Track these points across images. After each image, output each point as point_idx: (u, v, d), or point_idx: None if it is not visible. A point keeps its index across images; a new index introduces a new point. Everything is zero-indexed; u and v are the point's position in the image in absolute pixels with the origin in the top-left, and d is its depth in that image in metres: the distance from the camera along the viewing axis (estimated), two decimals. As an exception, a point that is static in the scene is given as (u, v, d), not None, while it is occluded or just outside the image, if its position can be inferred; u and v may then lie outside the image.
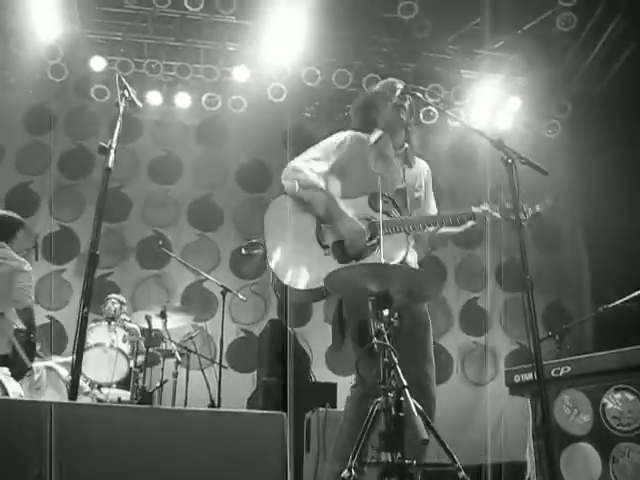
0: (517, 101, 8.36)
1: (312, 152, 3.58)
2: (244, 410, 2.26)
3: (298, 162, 3.52)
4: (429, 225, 3.46)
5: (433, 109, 8.16)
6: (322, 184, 3.45)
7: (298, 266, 3.34)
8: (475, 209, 3.42)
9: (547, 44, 7.93)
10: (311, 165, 3.49)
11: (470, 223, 3.45)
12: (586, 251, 8.50)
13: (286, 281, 3.30)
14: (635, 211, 7.04)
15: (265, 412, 1.92)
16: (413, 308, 3.35)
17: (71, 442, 1.84)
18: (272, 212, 3.52)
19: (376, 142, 3.60)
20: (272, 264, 3.35)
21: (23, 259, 5.14)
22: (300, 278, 3.31)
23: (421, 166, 3.78)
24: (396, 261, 3.27)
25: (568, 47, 8.02)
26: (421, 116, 8.03)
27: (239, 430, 1.91)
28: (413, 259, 3.50)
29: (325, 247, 3.36)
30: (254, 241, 3.66)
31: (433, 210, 3.76)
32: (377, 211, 3.24)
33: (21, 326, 5.12)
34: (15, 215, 5.43)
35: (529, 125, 8.52)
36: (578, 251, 8.65)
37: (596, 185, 7.68)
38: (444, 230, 3.60)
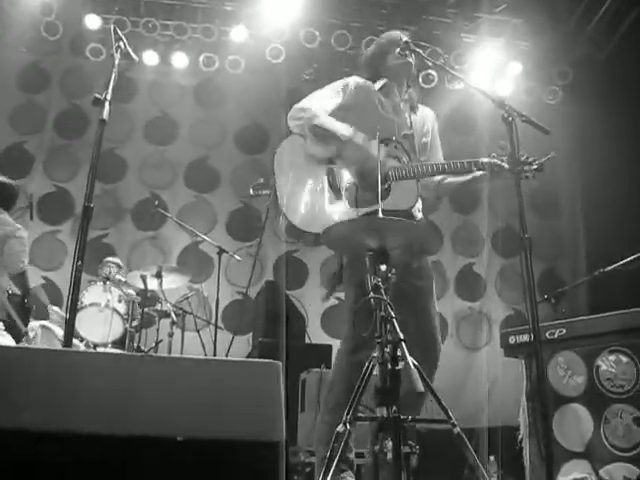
0: (518, 66, 8.28)
1: (317, 93, 3.54)
2: (239, 358, 2.26)
3: (303, 102, 3.47)
4: (438, 172, 3.43)
5: (432, 72, 8.07)
6: (330, 120, 3.38)
7: (308, 209, 3.29)
8: (484, 159, 3.39)
9: (550, 8, 7.83)
10: (319, 103, 3.45)
11: (478, 173, 3.42)
12: (583, 217, 8.50)
13: (295, 222, 3.26)
14: (634, 179, 7.02)
15: (261, 360, 1.90)
16: (418, 263, 3.36)
17: (63, 388, 1.83)
18: (282, 152, 3.45)
19: (381, 89, 3.57)
20: (281, 204, 3.31)
21: (18, 225, 5.10)
22: (307, 221, 3.26)
23: (426, 113, 3.76)
24: (406, 207, 3.26)
25: (571, 12, 7.92)
26: (420, 80, 7.95)
27: (234, 378, 1.89)
28: (418, 207, 3.49)
29: (337, 191, 3.32)
30: (262, 181, 3.61)
31: (440, 157, 3.72)
32: (387, 155, 3.22)
33: (15, 290, 5.11)
34: (14, 182, 5.41)
35: (530, 91, 8.45)
36: (576, 217, 8.65)
37: (596, 152, 7.65)
38: (450, 179, 3.58)
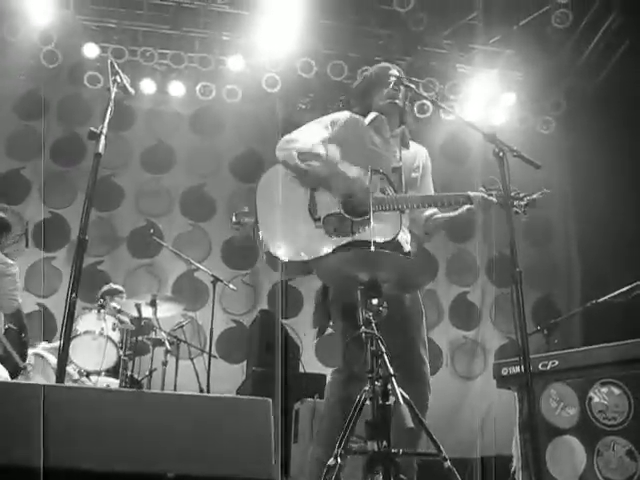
0: (512, 96, 8.37)
1: (306, 127, 3.59)
2: (229, 395, 2.26)
3: (293, 134, 3.52)
4: (424, 205, 3.45)
5: (427, 102, 8.15)
6: (321, 149, 3.42)
7: (287, 237, 3.31)
8: (472, 193, 3.42)
9: (542, 40, 7.94)
10: (306, 135, 3.49)
11: (466, 207, 3.44)
12: (577, 247, 8.53)
13: (273, 251, 3.27)
14: (627, 208, 7.07)
15: (251, 397, 1.91)
16: (408, 299, 3.36)
17: (61, 424, 1.84)
18: (265, 182, 3.49)
19: (371, 122, 3.60)
20: (261, 233, 3.33)
21: (10, 261, 5.09)
22: (288, 249, 3.28)
23: (419, 150, 3.78)
24: (387, 239, 3.26)
25: (563, 43, 8.03)
26: (415, 109, 8.02)
27: (224, 415, 1.90)
28: (405, 239, 3.49)
29: (317, 220, 3.34)
30: (245, 210, 3.63)
31: (431, 193, 3.73)
32: (375, 186, 3.25)
33: (11, 327, 5.10)
34: (3, 214, 5.42)
35: (523, 120, 8.53)
36: (569, 247, 8.68)
37: (589, 181, 7.71)
38: (439, 216, 3.60)
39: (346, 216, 3.33)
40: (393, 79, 3.55)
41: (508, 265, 3.07)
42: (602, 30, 7.79)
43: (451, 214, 3.53)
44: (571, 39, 7.98)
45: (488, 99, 8.38)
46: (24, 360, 5.11)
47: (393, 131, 3.65)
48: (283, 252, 3.27)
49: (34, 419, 1.82)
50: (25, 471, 1.76)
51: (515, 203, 3.30)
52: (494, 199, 3.35)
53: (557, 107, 8.48)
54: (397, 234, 3.30)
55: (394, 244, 3.29)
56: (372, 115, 3.63)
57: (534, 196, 3.36)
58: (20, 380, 5.12)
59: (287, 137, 3.51)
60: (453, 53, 8.21)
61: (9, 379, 4.99)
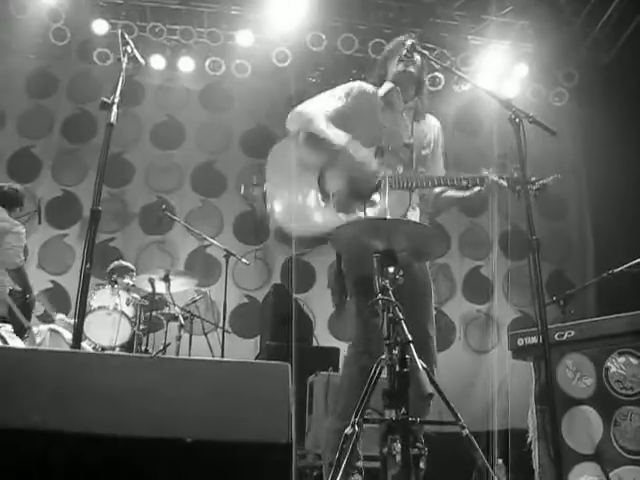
0: (524, 68, 8.27)
1: (319, 97, 3.53)
2: (247, 360, 2.25)
3: (304, 106, 3.48)
4: (434, 184, 3.41)
5: (439, 75, 8.07)
6: (329, 132, 3.36)
7: (297, 212, 3.28)
8: (484, 174, 3.37)
9: (555, 11, 7.83)
10: (318, 107, 3.44)
11: (476, 189, 3.40)
12: (590, 221, 8.48)
13: (282, 224, 3.26)
14: (640, 181, 7.01)
15: (269, 362, 1.90)
16: (415, 267, 3.32)
17: (72, 390, 1.83)
18: (276, 152, 3.45)
19: (385, 94, 3.55)
20: (270, 206, 3.30)
21: (16, 221, 5.13)
22: (298, 224, 3.26)
23: (432, 123, 3.72)
24: (395, 217, 3.23)
25: (577, 14, 7.92)
26: (426, 78, 7.93)
27: (243, 380, 1.89)
28: (415, 217, 3.44)
29: (326, 196, 3.31)
30: (254, 182, 3.62)
31: (440, 169, 3.69)
32: (382, 164, 3.22)
33: (16, 287, 5.14)
34: (17, 187, 5.46)
35: (536, 93, 8.44)
36: (583, 221, 8.63)
37: (602, 154, 7.63)
38: (449, 193, 3.56)
39: (352, 194, 3.31)
40: (408, 45, 3.48)
41: (522, 238, 3.04)
42: (616, 1, 7.67)
43: (461, 194, 3.48)
44: (584, 10, 7.87)
45: (500, 71, 8.29)
46: (29, 320, 5.15)
47: (406, 104, 3.59)
48: (293, 227, 3.26)
49: (44, 385, 1.82)
50: (39, 436, 1.76)
51: (528, 187, 3.25)
52: (504, 182, 3.30)
53: (570, 79, 8.38)
54: (405, 213, 3.27)
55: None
56: (387, 86, 3.57)
57: (545, 181, 3.31)
58: (26, 340, 5.19)
59: (298, 108, 3.47)
60: (465, 25, 8.12)
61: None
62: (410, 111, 3.61)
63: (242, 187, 3.71)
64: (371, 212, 3.22)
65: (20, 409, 1.78)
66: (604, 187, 7.79)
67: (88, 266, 2.82)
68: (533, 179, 3.29)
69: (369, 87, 3.59)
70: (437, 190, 3.60)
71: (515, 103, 3.23)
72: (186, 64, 8.30)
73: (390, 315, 2.47)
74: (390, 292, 2.54)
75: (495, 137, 7.23)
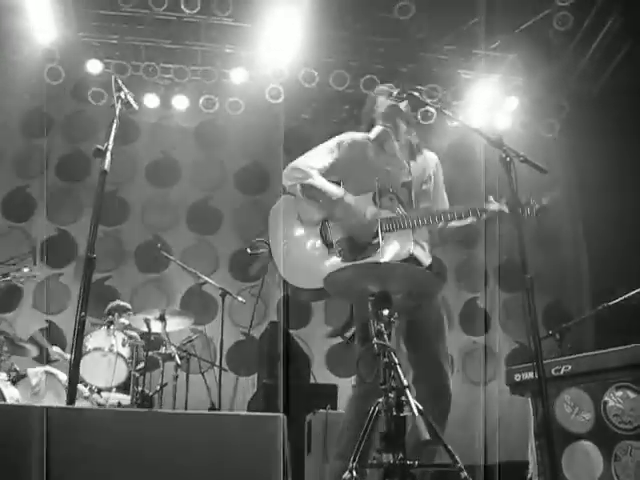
0: (514, 101, 8.35)
1: (312, 152, 3.61)
2: (242, 412, 2.23)
3: (298, 162, 3.54)
4: (434, 220, 3.45)
5: (431, 109, 8.14)
6: (321, 181, 3.45)
7: (301, 265, 3.35)
8: (486, 205, 3.40)
9: (544, 44, 7.92)
10: (310, 162, 3.51)
11: (483, 217, 3.42)
12: (586, 250, 8.49)
13: (289, 280, 3.30)
14: (634, 209, 7.03)
15: (263, 414, 1.90)
16: (428, 304, 3.36)
17: (67, 446, 1.83)
18: (276, 211, 3.54)
19: (376, 137, 3.60)
20: (277, 264, 3.36)
21: None
22: (303, 277, 3.32)
23: (429, 158, 3.78)
24: (402, 257, 3.27)
25: (565, 46, 8.01)
26: (419, 116, 8.01)
27: (237, 432, 1.89)
28: (422, 253, 3.49)
29: (330, 245, 3.36)
30: (259, 240, 3.68)
31: (444, 202, 3.74)
32: (380, 207, 3.25)
33: None
34: None
35: (527, 125, 8.51)
36: (578, 250, 8.64)
37: (595, 184, 7.67)
38: (454, 224, 3.59)
39: (353, 243, 3.37)
40: (397, 90, 3.55)
41: (517, 270, 3.05)
42: (603, 32, 7.78)
43: (465, 222, 3.51)
44: (573, 42, 7.97)
45: (491, 104, 8.36)
46: None
47: (400, 142, 3.64)
48: (301, 282, 3.33)
49: (39, 442, 1.81)
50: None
51: (527, 210, 3.29)
52: (506, 209, 3.33)
53: (560, 110, 8.46)
54: (411, 252, 3.30)
55: (412, 260, 3.32)
56: (377, 129, 3.65)
57: (544, 202, 3.34)
58: (24, 386, 5.19)
59: (292, 165, 3.56)
60: (455, 59, 8.20)
61: (20, 400, 5.00)
62: (405, 149, 3.66)
63: (248, 248, 3.77)
64: (376, 256, 3.25)
65: (14, 467, 1.76)
66: (598, 217, 7.82)
67: (83, 314, 2.83)
68: (532, 201, 3.34)
69: (359, 135, 3.66)
70: (440, 223, 3.63)
71: (505, 139, 3.26)
72: (180, 102, 8.36)
73: (386, 360, 2.48)
74: (385, 336, 2.54)
75: (488, 170, 7.28)
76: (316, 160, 3.54)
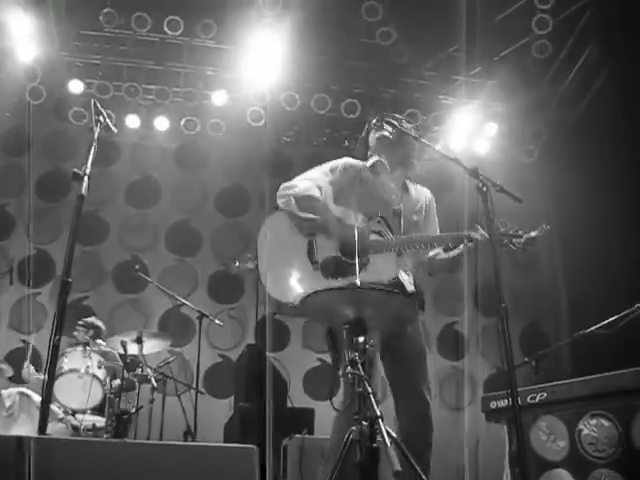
0: (494, 127, 8.44)
1: (306, 173, 3.65)
2: (214, 444, 2.21)
3: (293, 180, 3.59)
4: (421, 246, 3.47)
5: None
6: (317, 193, 3.47)
7: (287, 281, 3.36)
8: (472, 232, 3.42)
9: (523, 71, 8.04)
10: (306, 181, 3.55)
11: (468, 244, 3.44)
12: (563, 275, 8.56)
13: (274, 295, 3.31)
14: (611, 236, 7.11)
15: (235, 445, 1.89)
16: (410, 332, 3.37)
17: (40, 477, 1.81)
18: (266, 227, 3.55)
19: (371, 166, 3.66)
20: (263, 278, 3.38)
21: None
22: (288, 293, 3.32)
23: (422, 192, 3.82)
24: (386, 280, 3.28)
25: (543, 74, 8.14)
26: (412, 147, 8.04)
27: (209, 464, 1.88)
28: (409, 280, 3.53)
29: (315, 263, 3.37)
30: (248, 255, 3.72)
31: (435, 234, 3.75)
32: (369, 230, 3.27)
33: None
34: None
35: (506, 150, 8.60)
36: (555, 275, 8.70)
37: (573, 210, 7.75)
38: (442, 255, 3.62)
39: (343, 259, 3.36)
40: (375, 119, 3.61)
41: (494, 296, 3.07)
42: (581, 60, 7.92)
43: (453, 253, 3.54)
44: (551, 69, 8.10)
45: (471, 129, 8.45)
46: None
47: (393, 172, 3.68)
48: (285, 296, 3.33)
49: (22, 472, 1.79)
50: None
51: (514, 241, 3.32)
52: (487, 235, 3.34)
53: (538, 137, 8.57)
54: (394, 277, 3.32)
55: (396, 285, 3.34)
56: (372, 159, 3.70)
57: (533, 234, 3.37)
58: None
59: (286, 184, 3.58)
60: (435, 85, 8.29)
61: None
62: (398, 179, 3.71)
63: (237, 262, 3.81)
64: (361, 276, 3.26)
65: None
66: (575, 242, 7.89)
67: (57, 338, 2.81)
68: (520, 232, 3.34)
69: (355, 161, 3.70)
70: (430, 254, 3.68)
71: (484, 166, 3.31)
72: (161, 123, 8.37)
73: (359, 389, 2.47)
74: (359, 365, 2.54)
75: (467, 195, 7.32)
76: (309, 180, 3.56)
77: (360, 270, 3.26)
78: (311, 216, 3.42)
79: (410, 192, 3.73)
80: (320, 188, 3.52)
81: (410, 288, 3.52)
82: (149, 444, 2.18)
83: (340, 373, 3.34)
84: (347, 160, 3.72)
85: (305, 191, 3.47)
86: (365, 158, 3.75)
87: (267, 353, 6.45)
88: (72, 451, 1.90)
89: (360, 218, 3.32)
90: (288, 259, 3.41)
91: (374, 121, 3.66)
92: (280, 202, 3.52)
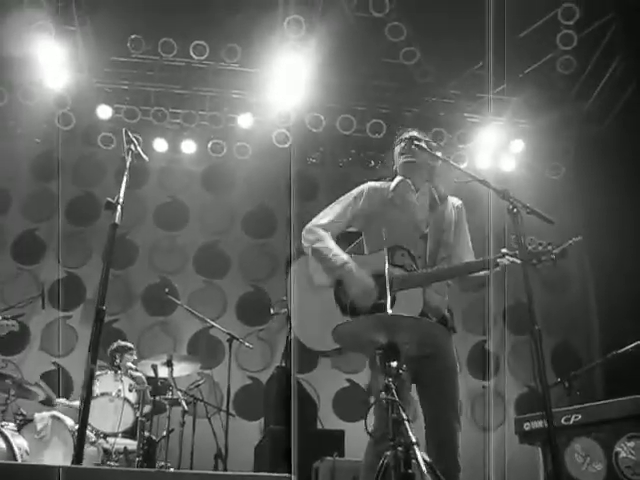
0: (520, 144, 8.41)
1: (329, 209, 3.67)
2: (248, 473, 2.19)
3: (312, 222, 3.62)
4: (444, 278, 3.45)
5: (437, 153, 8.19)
6: (329, 245, 3.49)
7: (317, 327, 3.35)
8: (495, 257, 3.38)
9: (548, 87, 8.02)
10: (324, 221, 3.58)
11: (497, 269, 3.40)
12: (594, 293, 8.45)
13: (304, 341, 3.36)
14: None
15: (271, 475, 1.88)
16: (440, 357, 3.34)
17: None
18: (295, 272, 3.58)
19: (395, 188, 3.64)
20: (293, 325, 3.42)
21: None
22: (318, 339, 3.33)
23: (450, 204, 3.76)
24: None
25: (569, 90, 8.11)
26: (435, 164, 8.04)
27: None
28: (442, 305, 3.51)
29: (344, 308, 3.39)
30: (283, 299, 3.73)
31: (466, 249, 3.72)
32: (393, 265, 3.26)
33: None
34: None
35: (532, 167, 8.56)
36: (586, 293, 8.60)
37: (602, 226, 7.67)
38: (474, 274, 3.57)
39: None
40: (404, 139, 3.60)
41: (523, 313, 3.04)
42: (607, 75, 7.87)
43: (483, 273, 3.49)
44: (576, 85, 8.06)
45: (496, 147, 8.43)
46: None
47: (419, 191, 3.66)
48: (314, 343, 3.36)
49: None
50: None
51: (543, 258, 3.27)
52: (518, 260, 3.30)
53: (566, 153, 8.53)
54: (419, 312, 3.30)
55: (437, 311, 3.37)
56: (397, 180, 3.69)
57: (565, 246, 3.31)
58: (31, 432, 5.24)
59: (309, 225, 3.61)
60: (460, 103, 8.30)
61: (28, 449, 4.98)
62: (424, 197, 3.67)
63: (272, 308, 3.85)
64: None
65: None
66: (606, 258, 7.80)
67: (93, 366, 2.83)
68: (550, 247, 3.30)
69: (378, 184, 3.71)
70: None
71: (510, 183, 3.30)
72: (188, 146, 8.48)
73: (394, 415, 2.46)
74: (393, 390, 2.53)
75: (495, 213, 7.29)
76: (331, 217, 3.60)
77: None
78: (326, 268, 3.46)
79: (438, 209, 3.68)
80: (342, 222, 3.58)
81: (444, 312, 3.49)
82: (183, 473, 2.17)
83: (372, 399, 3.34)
84: (370, 184, 3.72)
85: (321, 241, 3.51)
86: (392, 177, 3.74)
87: (293, 376, 6.43)
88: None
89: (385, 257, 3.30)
90: (317, 304, 3.43)
91: (403, 146, 3.65)
92: (303, 245, 3.58)
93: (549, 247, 3.31)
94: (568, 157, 8.51)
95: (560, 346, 8.42)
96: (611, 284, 7.68)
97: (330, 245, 3.48)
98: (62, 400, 6.22)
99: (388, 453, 2.51)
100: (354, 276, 3.36)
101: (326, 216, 3.61)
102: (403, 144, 3.62)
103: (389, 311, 2.77)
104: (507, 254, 3.33)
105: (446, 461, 3.21)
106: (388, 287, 2.81)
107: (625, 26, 7.40)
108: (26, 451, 4.98)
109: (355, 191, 3.70)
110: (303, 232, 3.59)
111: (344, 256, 3.44)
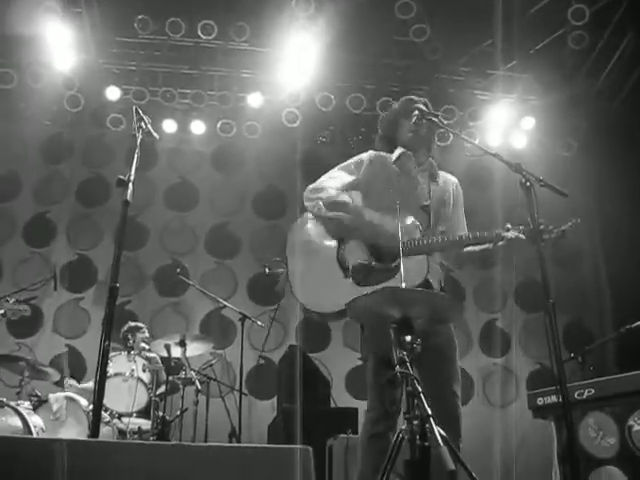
0: (531, 120, 8.35)
1: (331, 172, 3.62)
2: (267, 445, 2.19)
3: (318, 182, 3.55)
4: (451, 246, 3.43)
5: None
6: (346, 198, 3.45)
7: (317, 289, 3.34)
8: (501, 231, 3.36)
9: (559, 63, 7.94)
10: (331, 183, 3.51)
11: (500, 243, 3.39)
12: (606, 269, 8.42)
13: (305, 303, 3.31)
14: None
15: (289, 446, 1.89)
16: (439, 329, 3.33)
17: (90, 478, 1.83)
18: (295, 233, 3.53)
19: (397, 159, 3.60)
20: (293, 286, 3.37)
21: None
22: (319, 301, 3.32)
23: (449, 181, 3.74)
24: (416, 283, 3.24)
25: (580, 66, 8.02)
26: (436, 138, 8.01)
27: (264, 464, 1.88)
28: (436, 280, 3.45)
29: (346, 269, 3.35)
30: (276, 260, 3.69)
31: (462, 225, 3.70)
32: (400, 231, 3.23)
33: None
34: None
35: (544, 144, 8.50)
36: (598, 270, 8.57)
37: (614, 203, 7.63)
38: (471, 248, 3.54)
39: (373, 264, 3.34)
40: (416, 113, 3.54)
41: (535, 290, 3.03)
42: (619, 51, 7.78)
43: (482, 247, 3.46)
44: (588, 61, 7.98)
45: (508, 124, 8.38)
46: None
47: (421, 165, 3.63)
48: (316, 305, 3.32)
49: (59, 476, 1.81)
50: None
51: (545, 236, 3.25)
52: (523, 236, 3.28)
53: (577, 129, 8.46)
54: (425, 279, 3.28)
55: (426, 286, 3.29)
56: (398, 151, 3.63)
57: (563, 228, 3.29)
58: (46, 412, 5.30)
59: (312, 186, 3.54)
60: (471, 80, 8.24)
61: (44, 427, 5.02)
62: (425, 172, 3.64)
63: (265, 268, 3.78)
64: (391, 281, 3.23)
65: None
66: (617, 235, 7.77)
67: (107, 343, 2.84)
68: (550, 227, 3.27)
69: (382, 154, 3.65)
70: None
71: (522, 160, 3.25)
72: (198, 127, 8.46)
73: (409, 389, 2.46)
74: (408, 364, 2.53)
75: (506, 190, 7.26)
76: (336, 180, 3.53)
77: (389, 278, 3.25)
78: (342, 215, 3.40)
79: (438, 182, 3.65)
80: (347, 189, 3.51)
81: (435, 285, 3.44)
82: (197, 446, 2.18)
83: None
84: (374, 153, 3.67)
85: (335, 197, 3.44)
86: (388, 147, 3.69)
87: (297, 356, 6.43)
88: (113, 454, 1.92)
89: (396, 220, 3.24)
90: (317, 266, 3.38)
91: (414, 120, 3.58)
92: (307, 205, 3.50)
93: (550, 227, 3.29)
94: (579, 133, 8.44)
95: (572, 323, 8.40)
96: (622, 259, 7.64)
97: (345, 197, 3.45)
98: (72, 382, 6.25)
99: (403, 427, 2.51)
100: (376, 225, 3.33)
101: (330, 179, 3.55)
102: (415, 118, 3.56)
103: (403, 285, 2.76)
104: (511, 229, 3.31)
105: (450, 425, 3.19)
106: (401, 250, 2.80)
107: (637, 0, 7.31)
108: (42, 429, 5.02)
109: (354, 159, 3.65)
110: (306, 192, 3.51)
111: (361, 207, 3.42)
